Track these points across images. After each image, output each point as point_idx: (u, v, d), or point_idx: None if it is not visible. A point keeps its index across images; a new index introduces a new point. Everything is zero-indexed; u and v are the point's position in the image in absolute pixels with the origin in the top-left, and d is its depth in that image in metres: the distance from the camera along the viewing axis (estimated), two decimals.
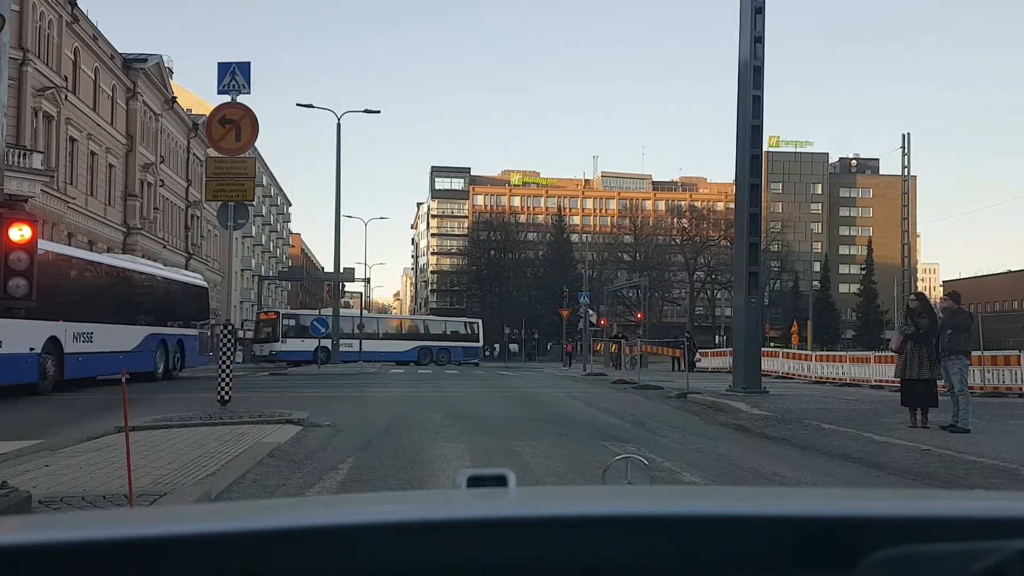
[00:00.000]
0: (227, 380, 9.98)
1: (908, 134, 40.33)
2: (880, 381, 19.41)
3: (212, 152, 11.63)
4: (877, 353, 21.91)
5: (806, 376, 23.46)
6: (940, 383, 9.93)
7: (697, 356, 31.55)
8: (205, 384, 15.61)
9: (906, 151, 39.74)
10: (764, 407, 12.32)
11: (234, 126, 9.98)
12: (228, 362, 10.05)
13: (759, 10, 14.74)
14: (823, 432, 9.61)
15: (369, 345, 36.86)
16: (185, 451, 6.93)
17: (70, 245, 32.83)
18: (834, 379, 21.75)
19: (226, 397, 9.98)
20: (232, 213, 10.20)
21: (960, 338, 9.40)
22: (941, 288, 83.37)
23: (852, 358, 22.45)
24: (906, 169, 41.33)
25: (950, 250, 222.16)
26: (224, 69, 10.07)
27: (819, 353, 26.80)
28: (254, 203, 67.42)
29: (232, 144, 10.04)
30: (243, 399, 12.21)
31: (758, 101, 14.66)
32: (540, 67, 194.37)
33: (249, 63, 10.16)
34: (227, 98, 10.16)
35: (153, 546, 0.73)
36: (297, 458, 7.02)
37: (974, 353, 14.30)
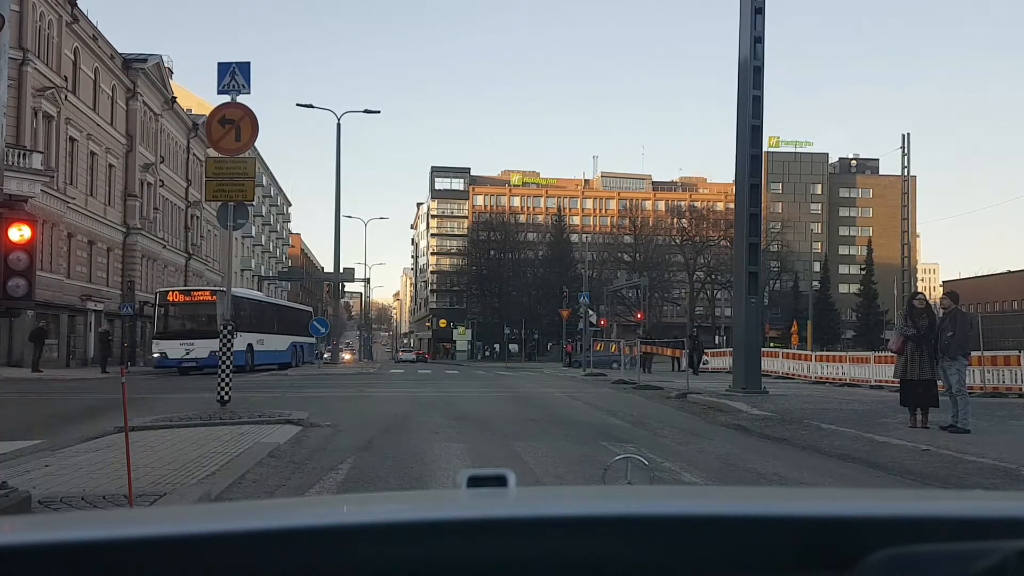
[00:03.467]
0: (227, 380, 9.98)
1: (908, 134, 40.41)
2: (880, 381, 19.37)
3: (212, 152, 11.63)
4: (877, 353, 21.86)
5: (806, 376, 23.43)
6: (940, 383, 9.94)
7: (705, 359, 28.93)
8: (205, 384, 15.61)
9: (906, 151, 39.76)
10: (764, 407, 12.32)
11: (234, 126, 9.96)
12: (228, 362, 10.06)
13: (759, 10, 14.73)
14: (823, 432, 9.61)
15: (268, 342, 29.63)
16: (185, 451, 6.92)
17: (70, 246, 32.95)
18: (834, 379, 21.71)
19: (226, 397, 9.98)
20: (232, 213, 10.19)
21: (959, 339, 9.39)
22: (941, 288, 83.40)
23: (852, 358, 22.41)
24: (906, 169, 41.36)
25: (950, 250, 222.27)
26: (224, 69, 10.05)
27: (819, 353, 26.76)
28: (254, 203, 67.58)
29: (232, 144, 10.03)
30: (243, 399, 12.21)
31: (758, 101, 14.65)
32: (540, 67, 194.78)
33: (249, 63, 10.15)
34: (227, 98, 10.17)
35: (153, 546, 0.73)
36: (297, 458, 7.02)
37: (974, 353, 14.29)
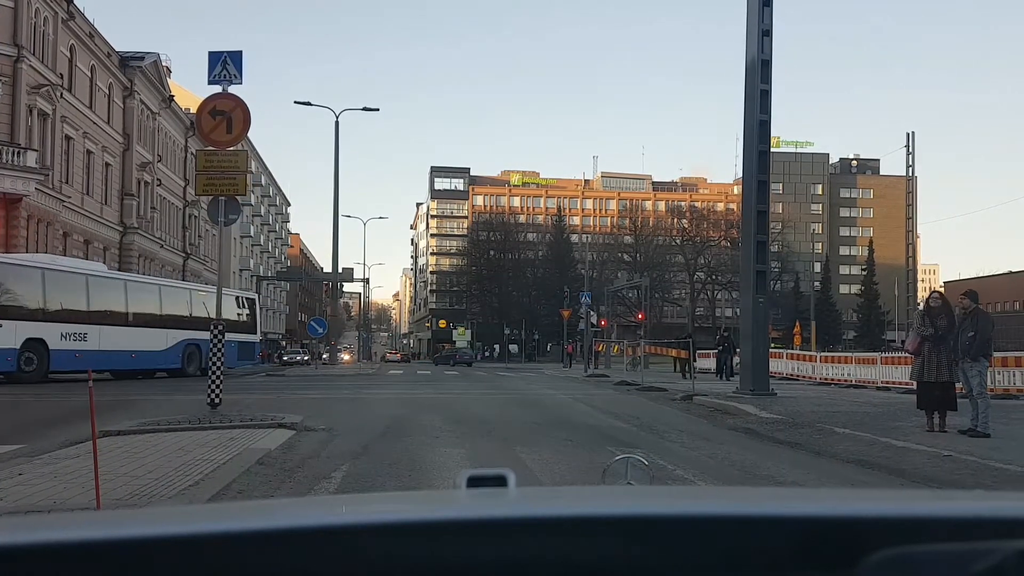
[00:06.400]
0: (217, 382, 9.61)
1: (912, 132, 40.03)
2: (886, 382, 19.05)
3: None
4: (884, 354, 21.54)
5: (810, 377, 23.08)
6: (958, 386, 9.60)
7: (737, 361, 26.08)
8: (196, 386, 15.24)
9: (910, 150, 39.40)
10: (773, 410, 11.96)
11: (225, 118, 9.55)
12: (219, 363, 9.68)
13: (767, 3, 14.35)
14: (837, 436, 9.25)
15: (107, 337, 20.99)
16: (169, 458, 6.53)
17: (65, 244, 32.57)
18: (839, 380, 21.37)
19: (216, 400, 9.60)
20: (223, 208, 9.81)
21: (981, 340, 9.02)
22: (942, 288, 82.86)
23: (858, 359, 22.05)
24: (910, 168, 40.99)
25: (950, 251, 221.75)
26: (215, 58, 9.61)
27: (824, 354, 26.39)
28: (251, 202, 66.84)
29: (223, 136, 9.63)
30: (236, 402, 11.85)
31: (766, 96, 14.26)
32: (540, 67, 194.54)
33: (241, 52, 9.69)
34: (218, 89, 9.76)
35: (153, 546, 0.72)
36: (288, 466, 6.62)
37: None
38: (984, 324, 9.19)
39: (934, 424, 9.53)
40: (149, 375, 23.14)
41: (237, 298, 29.24)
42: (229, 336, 21.65)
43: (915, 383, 10.07)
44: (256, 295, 33.16)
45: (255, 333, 29.37)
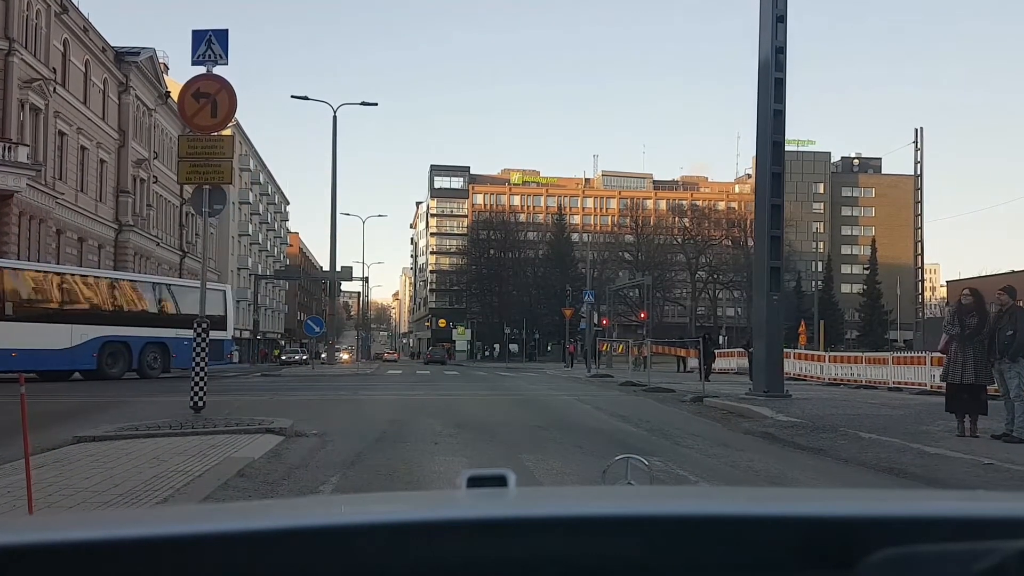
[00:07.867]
0: (201, 384, 9.01)
1: (921, 128, 39.36)
2: (898, 383, 18.49)
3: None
4: (895, 354, 20.98)
5: (819, 378, 22.51)
6: (990, 387, 9.02)
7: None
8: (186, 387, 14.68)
9: (919, 146, 38.76)
10: (791, 413, 11.37)
11: (209, 100, 8.94)
12: (202, 364, 9.07)
13: None
14: (864, 442, 8.65)
15: None
16: (141, 469, 5.92)
17: (59, 242, 32.01)
18: (848, 381, 20.79)
19: (199, 403, 8.99)
20: (207, 198, 9.20)
21: (1021, 338, 8.42)
22: (943, 288, 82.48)
23: (868, 359, 21.47)
24: (919, 165, 40.32)
25: (950, 250, 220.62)
26: (199, 37, 8.98)
27: (833, 354, 25.79)
28: (250, 200, 66.03)
29: (207, 120, 9.01)
30: (224, 404, 11.26)
31: (780, 85, 13.66)
32: (540, 67, 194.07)
33: (227, 30, 9.05)
34: (202, 69, 9.11)
35: (153, 546, 0.71)
36: (271, 478, 6.00)
37: None
38: (1022, 321, 8.60)
39: (965, 428, 8.96)
40: (95, 376, 20.60)
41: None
42: (187, 332, 19.50)
43: (944, 385, 9.50)
44: (227, 288, 29.34)
45: (225, 330, 25.94)
